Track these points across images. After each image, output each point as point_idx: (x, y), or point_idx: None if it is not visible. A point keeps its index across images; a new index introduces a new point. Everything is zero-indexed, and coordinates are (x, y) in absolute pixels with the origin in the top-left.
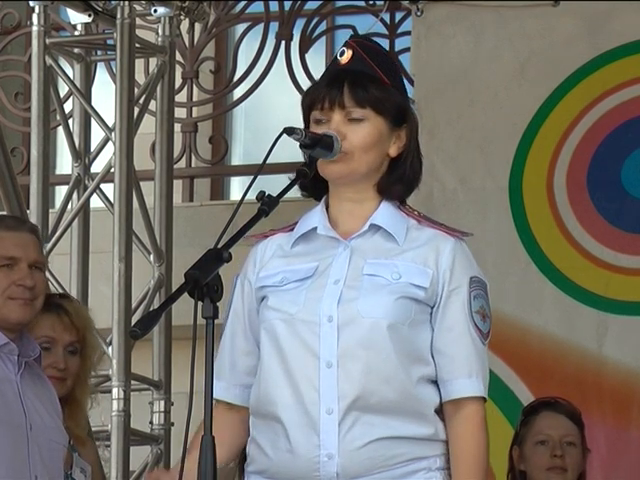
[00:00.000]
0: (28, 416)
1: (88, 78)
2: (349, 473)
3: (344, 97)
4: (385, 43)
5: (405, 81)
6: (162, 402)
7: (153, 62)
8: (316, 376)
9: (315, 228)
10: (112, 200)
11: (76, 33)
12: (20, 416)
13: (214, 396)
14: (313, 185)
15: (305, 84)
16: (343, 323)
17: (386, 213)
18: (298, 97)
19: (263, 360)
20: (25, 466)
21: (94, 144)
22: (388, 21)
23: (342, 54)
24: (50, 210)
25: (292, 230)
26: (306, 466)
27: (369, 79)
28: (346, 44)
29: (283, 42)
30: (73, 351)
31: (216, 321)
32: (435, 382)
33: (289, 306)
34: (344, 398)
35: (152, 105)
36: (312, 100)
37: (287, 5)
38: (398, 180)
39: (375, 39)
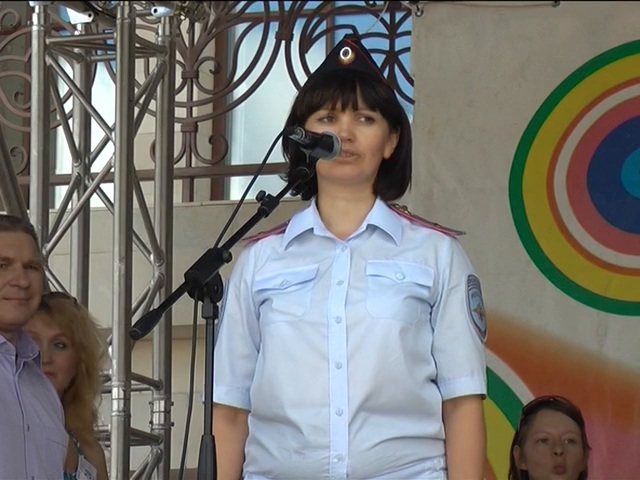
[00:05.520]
0: (25, 416)
1: (88, 78)
2: (359, 474)
3: (357, 98)
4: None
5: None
6: (162, 402)
7: (153, 62)
8: (325, 377)
9: (311, 229)
10: (112, 200)
11: (76, 33)
12: (17, 416)
13: (216, 401)
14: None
15: None
16: (352, 324)
17: (381, 213)
18: None
19: (268, 362)
20: (22, 466)
21: (94, 144)
22: (388, 21)
23: (346, 54)
24: (50, 210)
25: (283, 232)
26: (315, 467)
27: (376, 81)
28: (347, 44)
29: (283, 42)
30: (60, 345)
31: (216, 321)
32: (435, 381)
33: (295, 308)
34: (354, 399)
35: (152, 105)
36: (322, 99)
37: (287, 5)
38: (393, 182)
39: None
